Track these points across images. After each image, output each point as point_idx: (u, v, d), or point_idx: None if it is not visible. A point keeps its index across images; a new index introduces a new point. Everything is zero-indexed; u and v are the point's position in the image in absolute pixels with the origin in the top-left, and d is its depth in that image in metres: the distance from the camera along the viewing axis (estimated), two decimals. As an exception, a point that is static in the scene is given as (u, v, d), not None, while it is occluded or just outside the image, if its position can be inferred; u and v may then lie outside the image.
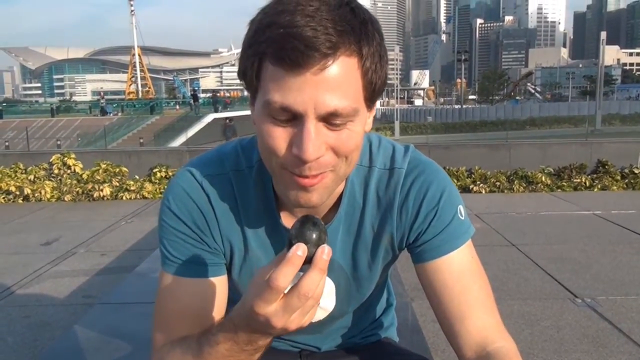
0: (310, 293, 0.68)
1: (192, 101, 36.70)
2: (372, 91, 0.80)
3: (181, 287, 0.94)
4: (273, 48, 0.73)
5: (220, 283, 0.97)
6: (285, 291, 0.69)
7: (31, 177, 8.40)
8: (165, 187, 0.97)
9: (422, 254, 0.97)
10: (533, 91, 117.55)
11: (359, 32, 0.75)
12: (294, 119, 0.76)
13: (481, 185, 8.13)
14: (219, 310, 0.96)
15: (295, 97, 0.74)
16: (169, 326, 0.94)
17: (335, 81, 0.74)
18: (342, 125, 0.77)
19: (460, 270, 0.96)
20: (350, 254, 1.01)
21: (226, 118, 20.03)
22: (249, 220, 0.97)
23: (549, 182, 8.17)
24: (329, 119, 0.76)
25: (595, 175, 8.38)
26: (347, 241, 1.00)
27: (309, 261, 0.68)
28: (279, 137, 0.77)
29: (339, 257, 1.00)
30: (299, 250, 0.67)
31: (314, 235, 0.69)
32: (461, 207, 0.98)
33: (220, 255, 0.97)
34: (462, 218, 0.98)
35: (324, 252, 0.68)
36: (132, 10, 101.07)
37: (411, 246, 0.99)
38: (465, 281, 0.95)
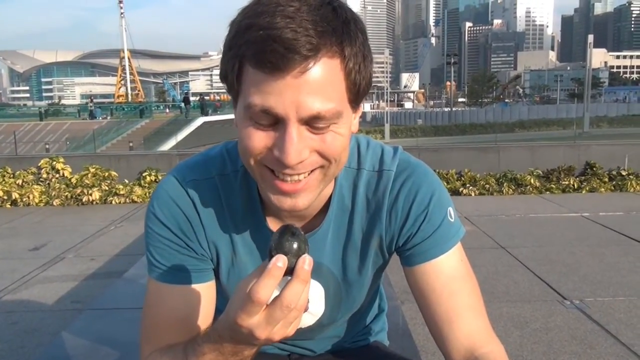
0: (292, 304, 0.67)
1: (183, 104, 36.52)
2: (357, 92, 0.79)
3: (168, 294, 0.94)
4: (252, 51, 0.72)
5: (207, 289, 0.96)
6: (268, 302, 0.68)
7: (19, 181, 8.31)
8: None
9: (412, 258, 0.96)
10: (521, 94, 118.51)
11: (341, 32, 0.74)
12: (275, 123, 0.75)
13: (471, 187, 8.16)
14: (206, 317, 0.95)
15: (277, 101, 0.72)
16: (157, 333, 0.94)
17: (317, 83, 0.72)
18: (325, 128, 0.76)
19: (450, 274, 0.95)
20: (340, 258, 0.99)
21: None
22: (236, 225, 0.95)
23: (537, 184, 8.22)
24: (312, 122, 0.75)
25: (583, 178, 8.44)
26: (337, 245, 0.98)
27: (290, 272, 0.67)
28: (260, 140, 0.76)
29: (328, 262, 0.99)
30: (279, 262, 0.66)
31: (294, 246, 0.68)
32: (451, 210, 0.98)
33: (207, 261, 0.96)
34: (452, 220, 0.97)
35: (305, 263, 0.67)
36: (121, 13, 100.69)
37: (400, 249, 0.98)
38: (454, 285, 0.95)
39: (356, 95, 0.79)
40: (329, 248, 0.98)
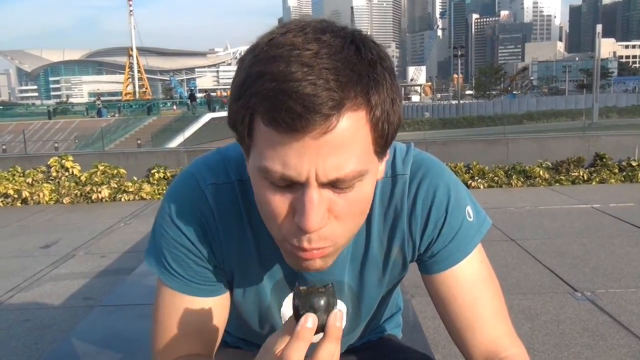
0: None
1: (189, 101, 36.60)
2: (384, 142, 0.71)
3: (183, 304, 0.90)
4: (265, 107, 0.63)
5: (222, 302, 0.93)
6: None
7: (29, 180, 8.37)
8: (167, 187, 0.91)
9: (433, 266, 0.92)
10: (529, 85, 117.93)
11: (367, 79, 0.65)
12: (293, 183, 0.67)
13: (479, 180, 8.13)
14: (221, 328, 0.94)
15: (296, 165, 0.65)
16: (171, 344, 0.91)
17: (339, 143, 0.64)
18: (349, 188, 0.69)
19: (472, 280, 0.92)
20: (358, 274, 0.95)
21: None
22: (255, 236, 0.89)
23: (547, 176, 8.17)
24: (334, 184, 0.68)
25: (593, 169, 8.38)
26: (355, 261, 0.94)
27: (320, 329, 0.63)
28: (279, 204, 0.70)
29: (348, 279, 0.95)
30: (309, 323, 0.61)
31: (322, 302, 0.63)
32: (469, 208, 0.92)
33: (221, 272, 0.92)
34: (471, 220, 0.92)
35: (337, 319, 0.62)
36: (130, 11, 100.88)
37: (421, 257, 0.94)
38: (476, 291, 0.92)
39: (383, 146, 0.71)
40: (348, 266, 0.94)
